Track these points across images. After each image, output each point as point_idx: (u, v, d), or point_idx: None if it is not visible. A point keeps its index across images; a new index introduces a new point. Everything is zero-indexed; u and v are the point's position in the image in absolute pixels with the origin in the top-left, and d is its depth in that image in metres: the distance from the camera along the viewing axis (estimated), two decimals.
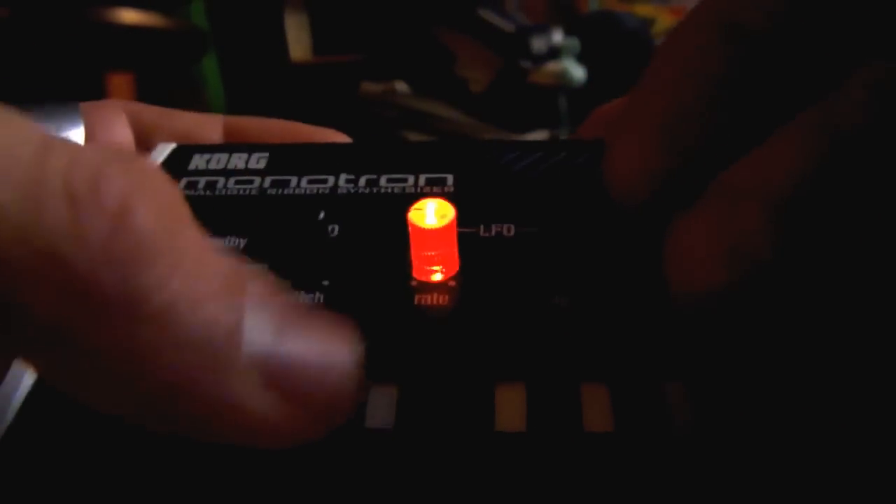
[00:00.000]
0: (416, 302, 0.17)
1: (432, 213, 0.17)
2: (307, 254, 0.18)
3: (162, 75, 1.06)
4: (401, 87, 1.02)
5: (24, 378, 0.16)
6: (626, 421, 0.15)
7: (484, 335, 0.16)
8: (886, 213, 0.13)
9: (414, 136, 1.00)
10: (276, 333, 0.12)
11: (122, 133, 0.21)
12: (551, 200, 0.19)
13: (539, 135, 0.96)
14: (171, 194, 0.12)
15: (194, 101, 1.07)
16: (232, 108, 1.07)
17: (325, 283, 0.17)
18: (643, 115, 0.17)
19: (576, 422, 0.15)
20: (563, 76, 0.96)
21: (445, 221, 0.17)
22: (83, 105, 0.21)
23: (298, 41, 1.14)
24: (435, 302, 0.17)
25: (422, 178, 0.20)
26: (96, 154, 0.12)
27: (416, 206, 0.17)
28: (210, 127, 0.23)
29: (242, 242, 0.18)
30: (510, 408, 0.15)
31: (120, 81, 1.02)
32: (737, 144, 0.15)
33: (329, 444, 0.15)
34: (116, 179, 0.12)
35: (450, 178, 0.20)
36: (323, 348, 0.13)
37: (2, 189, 0.10)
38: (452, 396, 0.16)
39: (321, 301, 0.17)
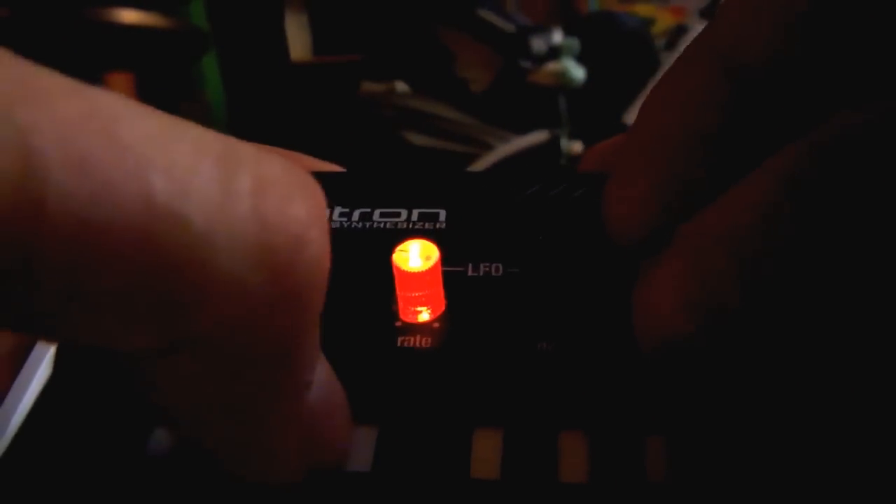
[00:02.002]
0: (399, 343, 0.17)
1: (416, 255, 0.17)
2: None
3: (162, 75, 1.06)
4: (401, 87, 1.02)
5: (31, 385, 0.16)
6: (602, 473, 0.15)
7: (465, 379, 0.16)
8: (842, 259, 0.13)
9: (414, 137, 1.00)
10: (328, 392, 0.15)
11: None
12: (543, 239, 0.19)
13: (539, 135, 0.96)
14: (326, 225, 0.13)
15: (194, 101, 1.07)
16: (232, 108, 1.07)
17: None
18: (642, 156, 0.17)
19: (551, 472, 0.15)
20: (563, 76, 0.96)
21: (430, 264, 0.17)
22: None
23: (298, 41, 1.13)
24: (418, 343, 0.17)
25: (415, 213, 0.20)
26: (283, 175, 0.12)
27: (401, 247, 0.17)
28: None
29: None
30: (486, 454, 0.15)
31: (120, 81, 1.02)
32: (728, 183, 0.15)
33: (306, 485, 0.15)
34: (302, 205, 0.12)
35: (442, 214, 0.20)
36: (346, 417, 0.16)
37: (185, 207, 0.10)
38: (430, 439, 0.16)
39: None
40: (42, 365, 0.16)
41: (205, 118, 1.07)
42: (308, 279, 0.12)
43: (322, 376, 0.15)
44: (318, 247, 0.12)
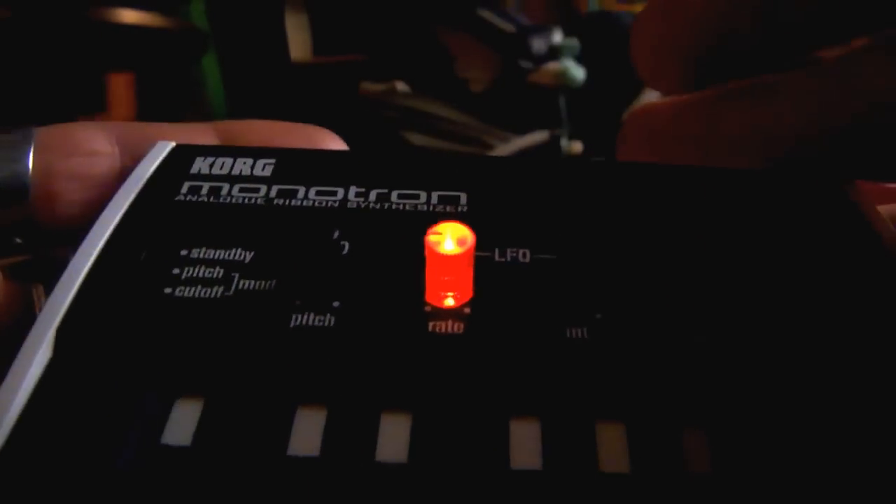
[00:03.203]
0: (430, 328, 0.17)
1: (451, 239, 0.17)
2: (317, 272, 0.18)
3: (162, 75, 1.06)
4: (401, 87, 1.02)
5: (30, 370, 0.15)
6: (643, 463, 0.15)
7: (499, 367, 0.16)
8: None
9: (414, 137, 1.00)
10: None
11: (95, 144, 0.21)
12: (569, 224, 0.19)
13: (539, 135, 0.96)
14: None
15: (194, 101, 1.07)
16: (232, 107, 1.08)
17: (336, 304, 0.17)
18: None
19: (591, 462, 0.15)
20: (563, 76, 0.96)
21: (465, 248, 0.17)
22: (52, 126, 0.20)
23: (298, 41, 1.14)
24: (450, 329, 0.17)
25: (434, 196, 0.20)
26: None
27: (436, 229, 0.17)
28: (202, 135, 0.23)
29: (249, 256, 0.18)
30: (525, 444, 0.15)
31: (120, 81, 1.02)
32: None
33: (336, 474, 0.15)
34: None
35: (463, 197, 0.20)
36: None
37: None
38: (466, 429, 0.15)
39: (332, 325, 0.17)
40: (42, 347, 0.16)
41: (205, 118, 1.07)
42: None
43: None
44: None
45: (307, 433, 0.15)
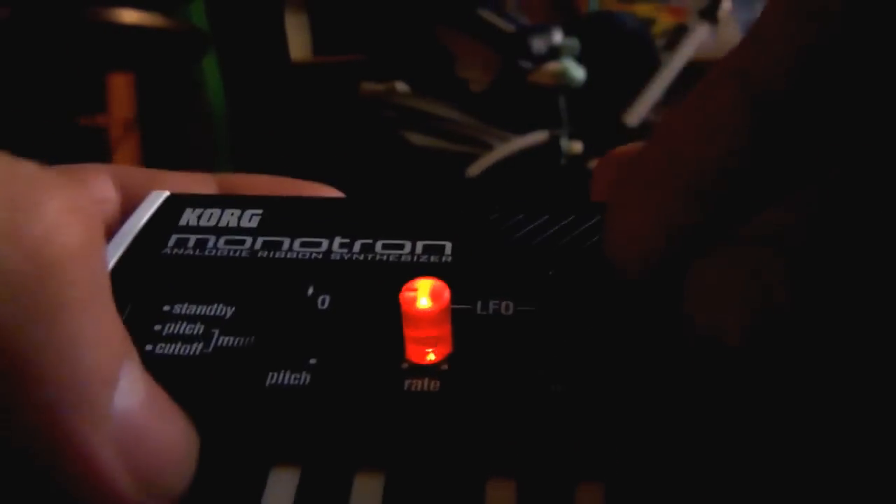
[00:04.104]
0: (406, 387, 0.16)
1: (426, 295, 0.17)
2: (295, 328, 0.17)
3: (162, 75, 1.06)
4: (401, 87, 1.02)
5: None
6: None
7: (476, 425, 0.16)
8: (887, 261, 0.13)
9: (414, 137, 1.00)
10: (146, 398, 0.14)
11: (102, 192, 0.21)
12: (553, 275, 0.18)
13: (539, 135, 0.96)
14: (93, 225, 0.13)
15: (194, 101, 1.07)
16: (232, 108, 1.08)
17: (313, 361, 0.17)
18: (663, 171, 0.16)
19: None
20: (562, 76, 0.96)
21: (440, 304, 0.16)
22: (62, 167, 0.20)
23: (298, 41, 1.14)
24: (426, 387, 0.16)
25: (419, 246, 0.19)
26: (27, 177, 0.12)
27: (409, 286, 0.17)
28: (203, 186, 0.23)
29: (230, 311, 0.18)
30: None
31: (120, 81, 1.02)
32: (752, 205, 0.15)
33: None
34: (49, 205, 0.12)
35: (448, 246, 0.19)
36: (172, 437, 0.15)
37: None
38: (441, 489, 0.15)
39: (307, 383, 0.16)
40: None
41: (205, 118, 1.07)
42: (55, 261, 0.12)
43: (133, 378, 0.14)
44: (69, 235, 0.12)
45: (280, 493, 0.15)
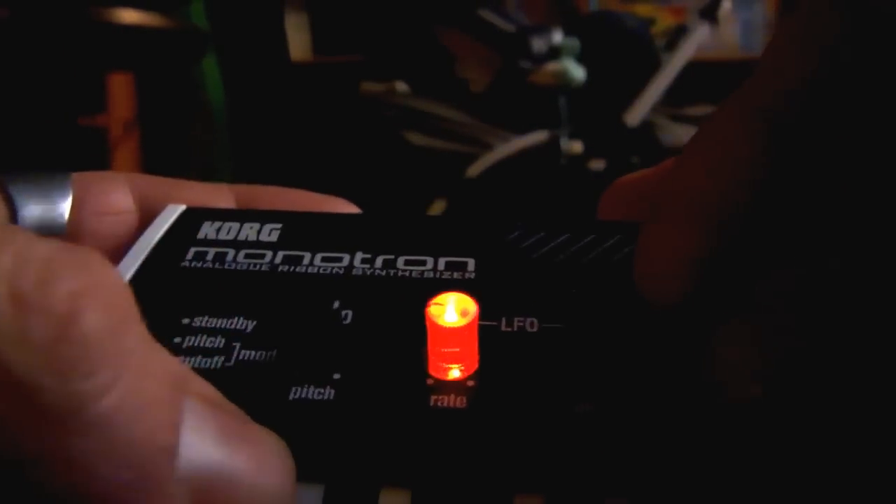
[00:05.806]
0: (431, 403, 0.16)
1: (453, 310, 0.16)
2: (318, 342, 0.17)
3: (162, 75, 1.06)
4: (401, 87, 1.02)
5: None
6: None
7: (502, 442, 0.16)
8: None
9: (414, 136, 1.00)
10: (215, 447, 0.13)
11: (121, 203, 0.21)
12: (578, 292, 0.18)
13: (539, 135, 0.96)
14: (121, 295, 0.12)
15: (194, 101, 1.07)
16: (232, 108, 1.08)
17: (337, 376, 0.17)
18: (684, 201, 0.16)
19: None
20: (563, 76, 0.96)
21: (467, 319, 0.16)
22: (81, 175, 0.20)
23: (298, 41, 1.14)
24: (452, 403, 0.16)
25: (441, 262, 0.19)
26: (46, 250, 0.12)
27: (436, 300, 0.16)
28: (220, 197, 0.23)
29: (251, 325, 0.18)
30: None
31: (120, 81, 1.02)
32: (774, 241, 0.15)
33: None
34: (66, 281, 0.11)
35: (471, 263, 0.19)
36: (260, 464, 0.13)
37: None
38: None
39: (332, 398, 0.16)
40: None
41: (205, 118, 1.07)
42: (86, 348, 0.11)
43: (196, 419, 0.13)
44: (98, 316, 0.12)
45: None
